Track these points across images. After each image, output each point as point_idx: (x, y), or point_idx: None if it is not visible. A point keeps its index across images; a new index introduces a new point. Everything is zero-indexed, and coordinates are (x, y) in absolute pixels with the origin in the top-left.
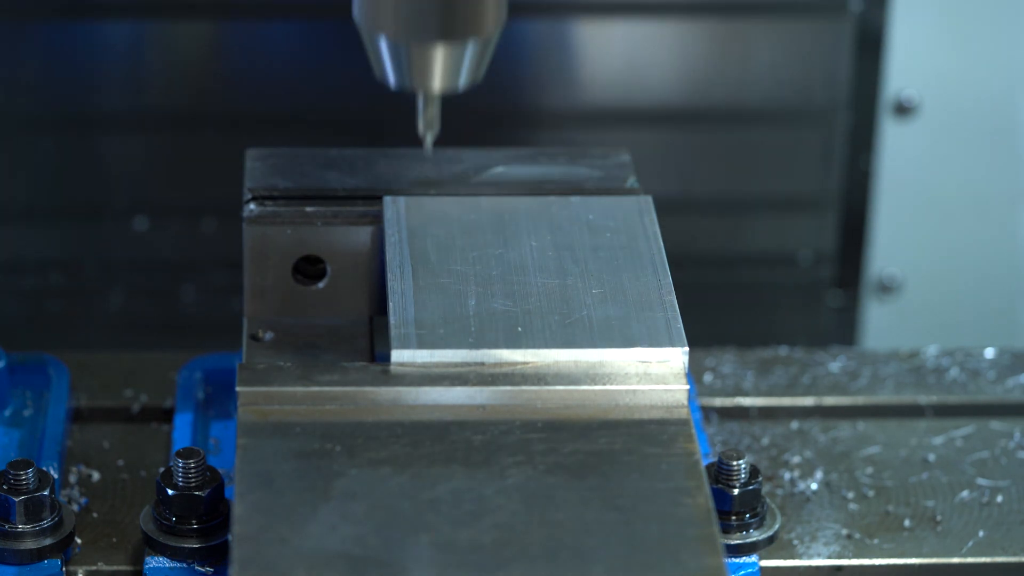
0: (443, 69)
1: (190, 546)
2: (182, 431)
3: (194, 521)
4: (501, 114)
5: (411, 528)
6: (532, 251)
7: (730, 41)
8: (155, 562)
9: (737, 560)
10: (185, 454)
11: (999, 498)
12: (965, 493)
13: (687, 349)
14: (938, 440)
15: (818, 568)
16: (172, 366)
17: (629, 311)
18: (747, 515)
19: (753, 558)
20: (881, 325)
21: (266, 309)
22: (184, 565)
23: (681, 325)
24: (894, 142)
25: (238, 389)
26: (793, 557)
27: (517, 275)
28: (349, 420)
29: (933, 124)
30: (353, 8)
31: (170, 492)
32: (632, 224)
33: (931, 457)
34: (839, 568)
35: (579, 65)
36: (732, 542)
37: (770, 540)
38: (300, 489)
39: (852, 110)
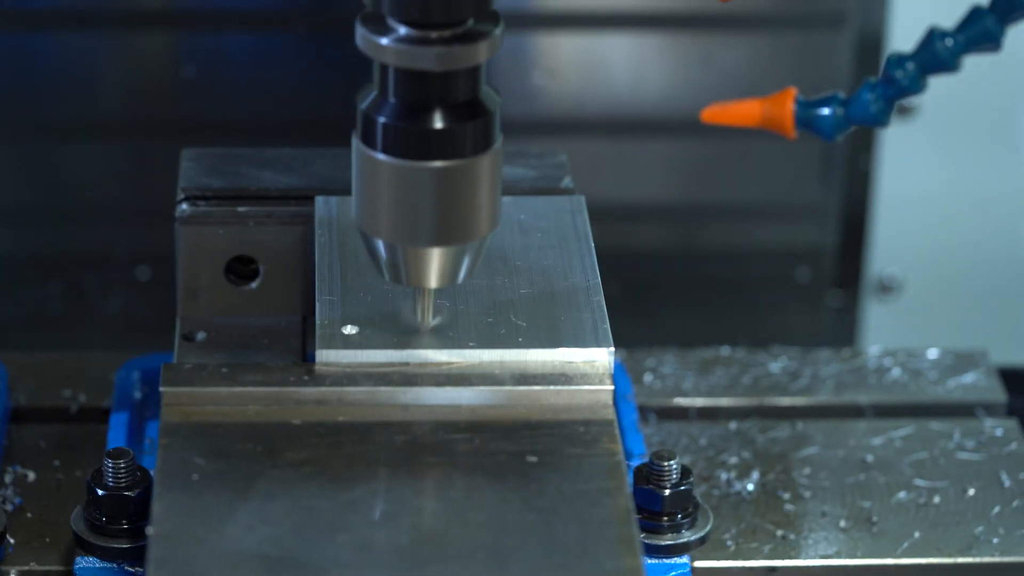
0: (439, 269)
1: (120, 546)
2: (117, 431)
3: (124, 521)
4: (509, 122)
5: (329, 529)
6: None
7: (730, 51)
8: (85, 562)
9: (668, 561)
10: (115, 454)
11: (936, 499)
12: (902, 494)
13: (612, 349)
14: (877, 441)
15: (752, 569)
16: (113, 366)
17: (557, 311)
18: (679, 516)
19: (684, 559)
20: (881, 325)
21: (199, 309)
22: (114, 565)
23: (608, 325)
24: (894, 142)
25: (162, 389)
26: (727, 558)
27: None
28: (272, 420)
29: (933, 124)
30: (351, 208)
31: (100, 492)
32: (564, 224)
33: (869, 458)
34: (773, 569)
35: (580, 74)
36: (663, 543)
37: (702, 540)
38: (219, 489)
39: None
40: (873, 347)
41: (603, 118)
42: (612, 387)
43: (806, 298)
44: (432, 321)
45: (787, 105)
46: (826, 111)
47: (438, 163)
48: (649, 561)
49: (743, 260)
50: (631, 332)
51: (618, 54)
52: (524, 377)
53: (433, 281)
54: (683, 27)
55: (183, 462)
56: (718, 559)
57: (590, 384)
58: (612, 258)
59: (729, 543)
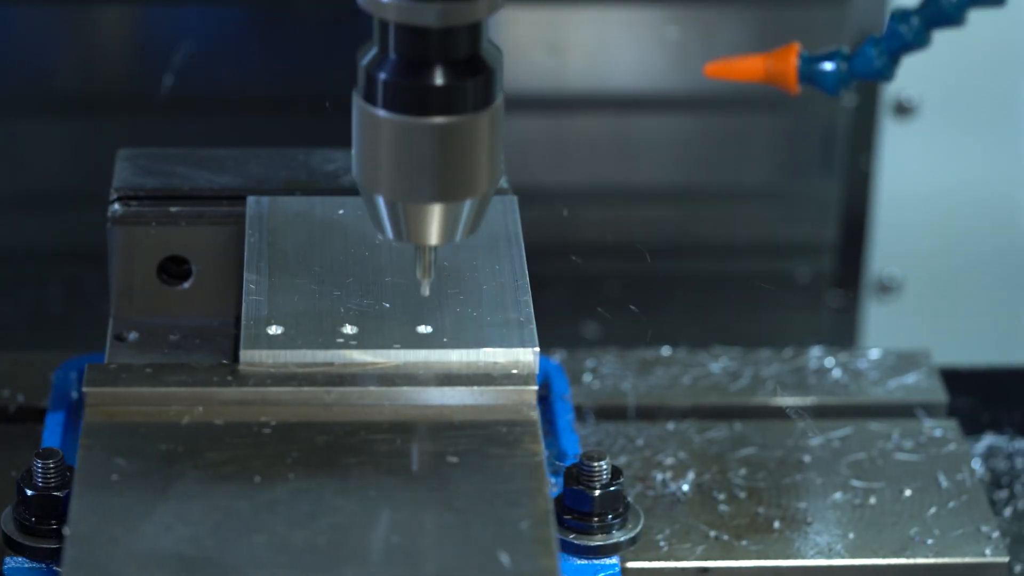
0: (440, 226)
1: (49, 547)
2: (52, 431)
3: (53, 521)
4: (512, 99)
5: (246, 529)
6: (391, 251)
7: (732, 28)
8: (14, 562)
9: (598, 561)
10: (44, 454)
11: (872, 500)
12: (838, 495)
13: (537, 350)
14: (815, 441)
15: (684, 570)
16: (52, 366)
17: (483, 312)
18: (609, 516)
19: (614, 559)
20: (881, 325)
21: (133, 309)
22: (44, 566)
23: (534, 326)
24: (894, 142)
25: (85, 389)
26: (659, 559)
27: (374, 275)
28: (195, 421)
29: (933, 124)
30: (352, 166)
31: (29, 492)
32: (495, 224)
33: (807, 458)
34: (705, 570)
35: (576, 51)
36: (593, 543)
37: (633, 541)
38: (139, 490)
39: (852, 110)
40: (815, 348)
41: (605, 95)
42: (535, 387)
43: (806, 298)
44: (429, 278)
45: (790, 60)
46: (829, 66)
47: (439, 119)
48: (579, 562)
49: (743, 260)
50: (630, 331)
51: (620, 30)
52: (448, 378)
53: (434, 238)
54: (685, 2)
55: (103, 462)
56: (650, 559)
57: (514, 384)
58: (613, 254)
59: (662, 544)
